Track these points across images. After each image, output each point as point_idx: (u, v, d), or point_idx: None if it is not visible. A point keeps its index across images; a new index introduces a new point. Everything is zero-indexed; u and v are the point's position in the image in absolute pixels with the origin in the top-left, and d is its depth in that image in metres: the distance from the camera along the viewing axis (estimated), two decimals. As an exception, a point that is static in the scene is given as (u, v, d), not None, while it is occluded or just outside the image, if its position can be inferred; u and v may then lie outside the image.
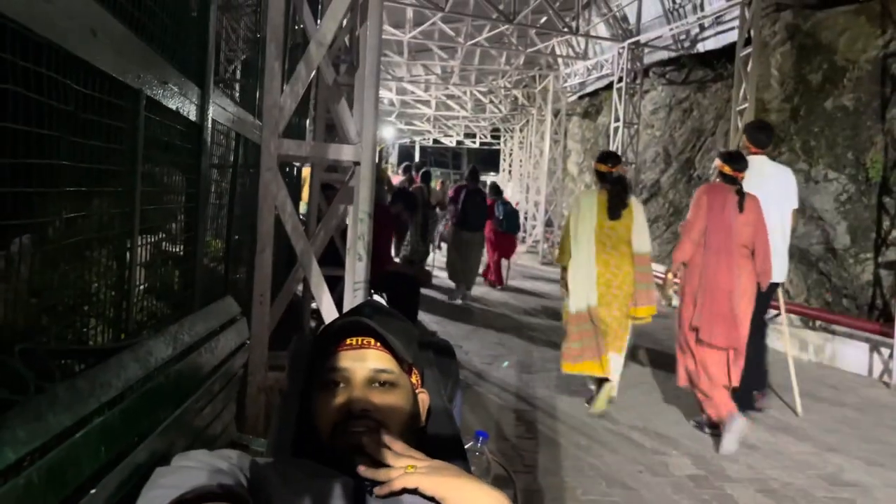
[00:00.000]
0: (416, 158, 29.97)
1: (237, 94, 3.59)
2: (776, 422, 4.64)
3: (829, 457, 4.03)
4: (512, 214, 10.76)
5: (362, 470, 1.06)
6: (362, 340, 1.24)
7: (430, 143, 30.49)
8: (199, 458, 1.02)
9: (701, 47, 11.04)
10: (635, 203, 4.56)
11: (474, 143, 28.72)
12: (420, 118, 24.03)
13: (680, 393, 5.17)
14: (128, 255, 1.84)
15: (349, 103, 3.63)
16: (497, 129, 25.16)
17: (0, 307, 1.26)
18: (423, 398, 1.34)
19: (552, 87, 15.52)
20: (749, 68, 7.94)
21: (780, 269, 4.51)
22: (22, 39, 1.25)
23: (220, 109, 2.85)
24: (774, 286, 4.66)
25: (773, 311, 5.77)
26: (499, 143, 26.36)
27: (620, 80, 11.79)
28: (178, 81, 2.22)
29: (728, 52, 9.58)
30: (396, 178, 14.30)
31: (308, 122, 6.16)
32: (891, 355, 5.99)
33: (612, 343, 4.48)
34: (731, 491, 3.43)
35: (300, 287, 4.73)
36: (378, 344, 1.24)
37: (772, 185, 4.49)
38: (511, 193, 19.94)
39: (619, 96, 11.73)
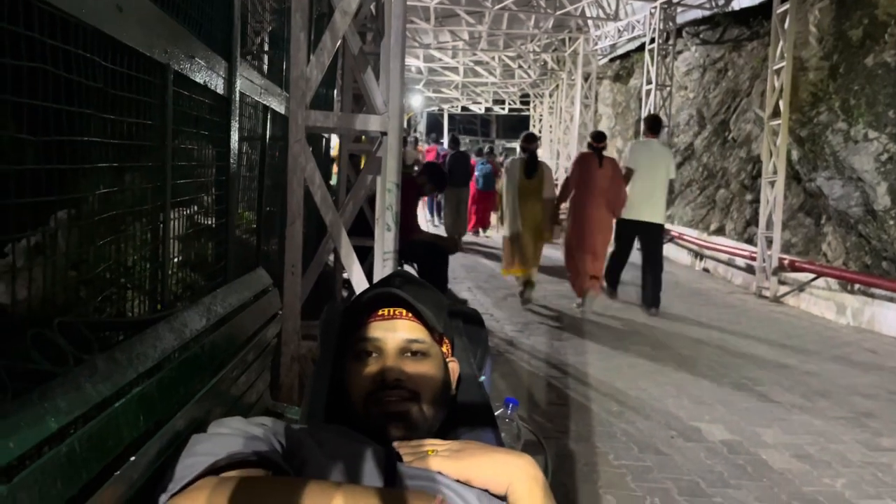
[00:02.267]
0: (445, 126, 29.80)
1: (264, 67, 3.59)
2: (810, 388, 4.59)
3: (867, 421, 3.98)
4: (489, 174, 13.20)
5: (396, 445, 1.08)
6: (394, 311, 1.25)
7: (459, 111, 30.25)
8: (235, 425, 1.05)
9: (736, 4, 10.72)
10: (545, 167, 6.83)
11: (503, 109, 28.42)
12: (448, 85, 23.82)
13: (713, 363, 5.14)
14: (161, 228, 1.87)
15: (375, 73, 3.61)
16: (526, 95, 24.83)
17: (39, 282, 1.29)
18: (454, 367, 1.36)
19: (582, 51, 15.25)
20: (786, 25, 7.70)
21: (660, 213, 6.79)
22: (49, 17, 1.27)
23: (248, 82, 2.85)
24: (660, 226, 6.88)
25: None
26: (528, 109, 26.03)
27: (652, 40, 11.52)
28: (205, 55, 2.22)
29: (764, 8, 9.28)
30: (430, 154, 14.35)
31: (335, 92, 6.15)
32: (932, 319, 5.86)
33: (532, 256, 6.76)
34: (765, 456, 3.42)
35: (331, 258, 4.78)
36: (409, 314, 1.25)
37: (658, 158, 6.79)
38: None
39: (651, 58, 11.47)
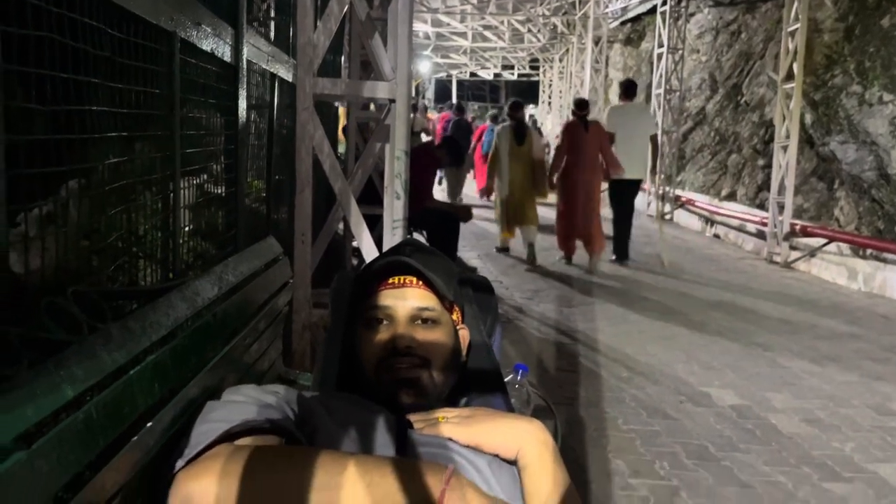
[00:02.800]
0: (454, 92, 29.52)
1: (271, 34, 3.55)
2: (820, 352, 4.59)
3: (877, 386, 3.99)
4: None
5: (410, 417, 1.09)
6: (404, 279, 1.26)
7: (468, 77, 29.93)
8: (248, 392, 1.06)
9: (750, -35, 10.47)
10: (532, 132, 7.56)
11: (512, 74, 28.09)
12: (456, 51, 23.53)
13: (723, 328, 5.14)
14: (171, 197, 1.88)
15: (383, 39, 3.57)
16: (536, 60, 24.50)
17: (52, 251, 1.30)
18: (464, 334, 1.36)
19: (593, 14, 14.97)
20: (801, -15, 7.52)
21: (640, 170, 7.53)
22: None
23: (255, 49, 2.83)
24: (638, 182, 7.55)
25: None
26: (537, 75, 25.71)
27: (664, 2, 11.30)
28: (211, 22, 2.20)
29: (779, -32, 9.06)
30: (440, 124, 14.22)
31: (343, 59, 6.09)
32: (945, 283, 5.83)
33: (527, 216, 7.36)
34: (774, 420, 3.43)
35: (340, 226, 4.78)
36: (419, 282, 1.26)
37: (634, 119, 7.42)
38: (551, 127, 19.58)
39: (663, 20, 11.27)
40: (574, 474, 2.76)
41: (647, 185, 10.96)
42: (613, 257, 7.41)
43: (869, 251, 6.82)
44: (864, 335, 5.06)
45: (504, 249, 7.84)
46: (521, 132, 7.33)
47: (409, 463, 0.92)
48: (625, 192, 7.38)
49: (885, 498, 2.74)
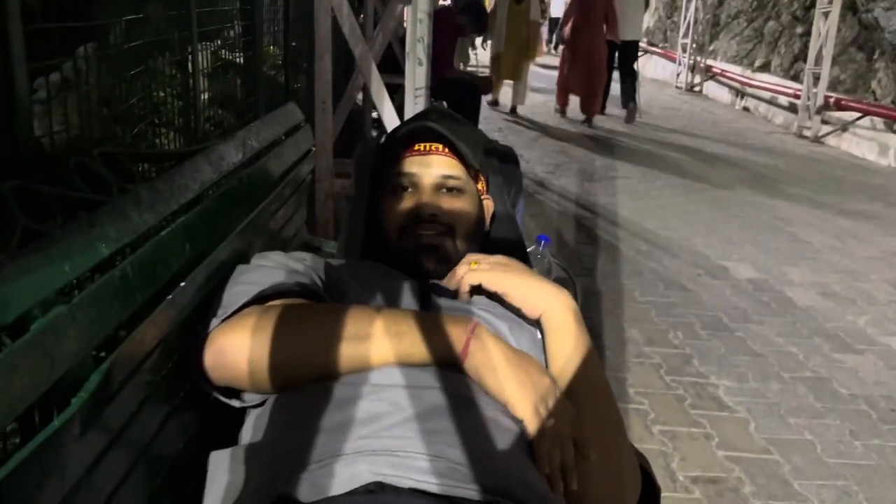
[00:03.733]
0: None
1: None
2: (842, 228, 4.56)
3: (897, 262, 3.99)
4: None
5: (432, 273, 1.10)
6: (430, 146, 1.24)
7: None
8: (276, 258, 1.08)
9: None
10: None
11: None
12: None
13: (746, 203, 5.10)
14: (189, 61, 1.83)
15: None
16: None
17: (73, 117, 1.29)
18: (488, 204, 1.36)
19: None
20: None
21: (636, 31, 8.27)
22: None
23: None
24: (636, 42, 8.39)
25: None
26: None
27: None
28: None
29: None
30: None
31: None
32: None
33: (515, 72, 8.03)
34: (790, 293, 3.47)
35: (360, 96, 4.68)
36: (445, 150, 1.23)
37: None
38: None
39: None
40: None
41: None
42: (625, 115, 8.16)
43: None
44: (887, 213, 5.00)
45: (495, 102, 8.72)
46: None
47: (435, 316, 0.95)
48: (625, 53, 8.10)
49: (890, 368, 2.81)
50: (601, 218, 4.61)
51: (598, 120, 8.08)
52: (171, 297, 0.90)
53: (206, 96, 2.02)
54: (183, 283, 0.93)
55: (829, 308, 3.33)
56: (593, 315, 3.13)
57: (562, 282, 1.94)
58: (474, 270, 1.05)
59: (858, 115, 7.08)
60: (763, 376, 2.69)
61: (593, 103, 7.86)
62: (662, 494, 1.06)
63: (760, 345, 2.94)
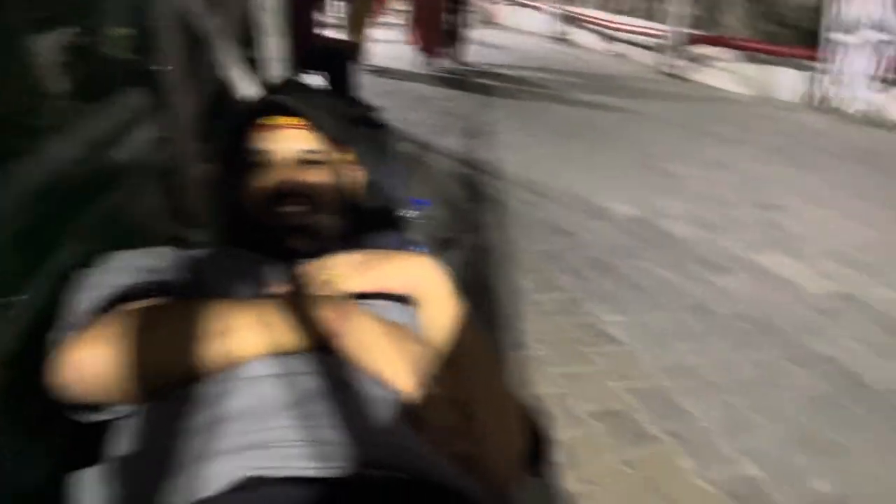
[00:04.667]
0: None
1: None
2: (710, 158, 4.82)
3: (761, 185, 4.27)
4: None
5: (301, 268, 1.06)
6: (283, 120, 1.20)
7: None
8: (125, 258, 1.02)
9: None
10: None
11: None
12: None
13: (619, 143, 5.28)
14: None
15: None
16: None
17: None
18: (359, 175, 1.33)
19: None
20: None
21: None
22: None
23: None
24: None
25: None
26: None
27: None
28: None
29: None
30: None
31: None
32: None
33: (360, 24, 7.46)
34: (668, 226, 3.65)
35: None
36: (301, 123, 1.20)
37: None
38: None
39: None
40: (482, 295, 2.86)
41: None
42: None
43: (759, 56, 7.01)
44: (750, 139, 5.33)
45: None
46: None
47: (302, 299, 0.92)
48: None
49: (761, 283, 3.03)
50: (487, 174, 4.65)
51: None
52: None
53: (30, 82, 1.84)
54: (17, 297, 0.85)
55: (702, 236, 3.53)
56: (484, 269, 3.17)
57: (448, 243, 1.95)
58: (338, 281, 0.97)
59: (716, 48, 7.48)
60: (649, 307, 2.82)
61: (432, 40, 8.13)
62: (567, 433, 1.09)
63: (643, 278, 3.08)
